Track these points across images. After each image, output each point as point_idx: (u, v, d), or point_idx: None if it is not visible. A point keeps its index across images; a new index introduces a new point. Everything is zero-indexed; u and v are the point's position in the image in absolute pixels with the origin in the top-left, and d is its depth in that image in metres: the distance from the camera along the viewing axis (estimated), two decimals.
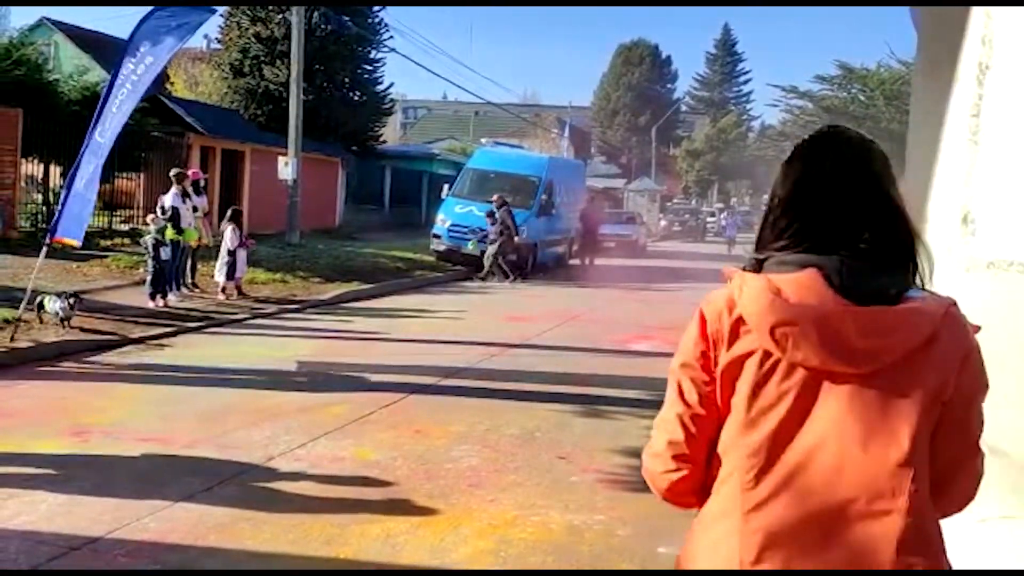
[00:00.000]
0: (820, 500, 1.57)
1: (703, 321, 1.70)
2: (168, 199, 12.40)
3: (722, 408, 1.67)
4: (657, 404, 1.80)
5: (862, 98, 55.35)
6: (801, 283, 1.61)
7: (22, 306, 9.20)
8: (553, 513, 5.11)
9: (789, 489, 1.59)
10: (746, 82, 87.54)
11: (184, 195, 12.50)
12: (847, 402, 1.58)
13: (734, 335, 1.65)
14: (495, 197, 19.33)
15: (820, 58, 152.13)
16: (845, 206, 1.64)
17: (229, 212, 13.54)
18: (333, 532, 4.67)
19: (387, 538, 4.64)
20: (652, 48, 69.65)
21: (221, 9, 28.31)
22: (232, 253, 12.91)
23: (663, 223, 45.60)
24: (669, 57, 71.15)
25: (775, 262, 1.67)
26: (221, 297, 12.79)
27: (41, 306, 9.58)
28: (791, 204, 1.70)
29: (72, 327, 9.54)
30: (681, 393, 1.71)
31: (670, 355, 1.81)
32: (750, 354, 1.63)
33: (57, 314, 9.48)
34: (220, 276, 12.97)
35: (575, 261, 24.82)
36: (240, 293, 13.11)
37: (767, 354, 1.62)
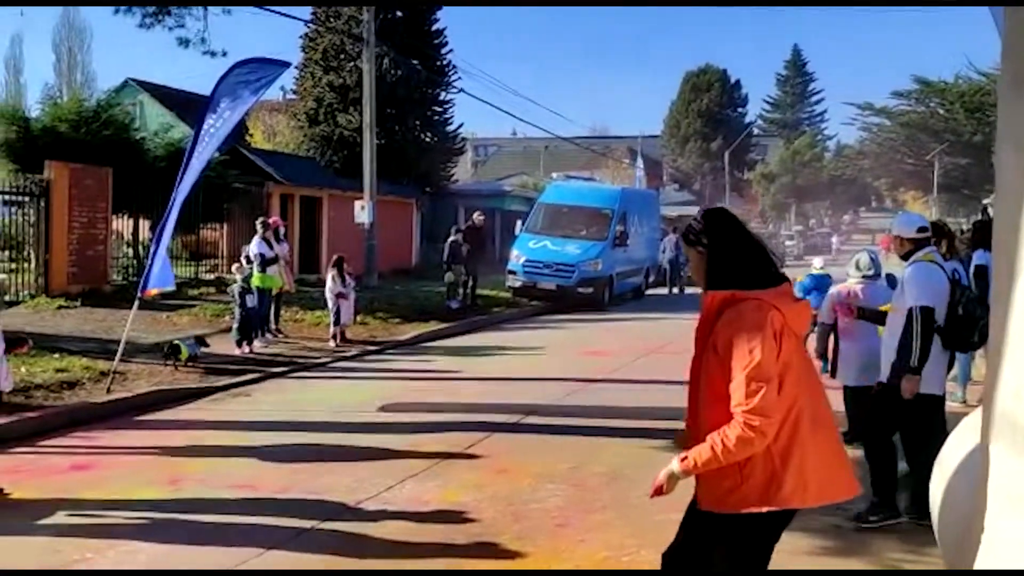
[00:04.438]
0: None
1: (772, 328, 2.89)
2: (253, 246, 12.79)
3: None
4: None
5: (941, 112, 54.07)
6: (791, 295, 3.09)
7: (117, 357, 9.54)
8: (644, 553, 5.02)
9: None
10: (819, 102, 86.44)
11: (268, 243, 12.89)
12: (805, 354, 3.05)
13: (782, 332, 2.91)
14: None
15: (896, 73, 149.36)
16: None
17: (333, 259, 13.70)
18: None
19: None
20: (720, 73, 69.20)
21: (295, 60, 29.23)
22: (335, 300, 13.13)
23: None
24: (738, 81, 70.61)
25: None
26: (331, 344, 12.98)
27: (177, 349, 10.33)
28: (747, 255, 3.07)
29: (196, 366, 10.41)
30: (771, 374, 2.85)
31: None
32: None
33: (194, 356, 10.38)
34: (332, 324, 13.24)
35: (656, 291, 24.65)
36: (343, 339, 13.26)
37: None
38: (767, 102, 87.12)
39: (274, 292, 13.20)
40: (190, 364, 10.42)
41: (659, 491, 3.01)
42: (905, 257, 5.70)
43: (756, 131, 76.66)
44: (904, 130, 57.19)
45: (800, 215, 72.79)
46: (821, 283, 12.56)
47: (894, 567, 5.06)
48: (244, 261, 12.70)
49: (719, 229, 3.10)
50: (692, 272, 3.22)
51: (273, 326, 13.46)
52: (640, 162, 43.79)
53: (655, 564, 4.84)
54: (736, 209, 54.42)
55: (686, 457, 2.95)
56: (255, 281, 12.45)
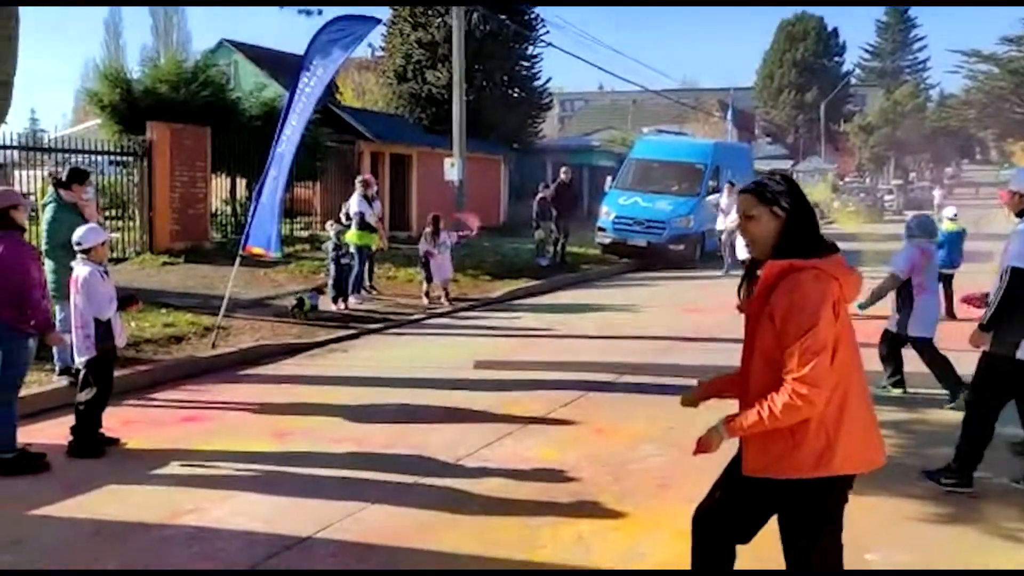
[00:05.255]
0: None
1: (831, 299, 2.86)
2: (354, 204, 13.00)
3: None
4: None
5: None
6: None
7: (221, 313, 9.82)
8: None
9: None
10: (921, 49, 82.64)
11: (368, 201, 13.08)
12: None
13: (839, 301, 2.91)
14: None
15: (1005, 18, 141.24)
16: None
17: (430, 217, 13.75)
18: (525, 534, 4.70)
19: (579, 540, 4.63)
20: (817, 21, 66.71)
21: (384, 17, 29.28)
22: (424, 258, 13.25)
23: (835, 204, 43.53)
24: (835, 29, 68.02)
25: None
26: (424, 301, 13.14)
27: (303, 303, 11.21)
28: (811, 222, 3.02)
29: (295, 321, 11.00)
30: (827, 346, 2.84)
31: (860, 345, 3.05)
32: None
33: (314, 306, 11.31)
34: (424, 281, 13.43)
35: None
36: (448, 297, 13.33)
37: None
38: (866, 50, 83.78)
39: (372, 249, 13.41)
40: (311, 315, 11.18)
41: (703, 449, 3.09)
42: (1020, 215, 5.47)
43: (854, 81, 73.83)
44: (1013, 78, 54.16)
45: (899, 168, 70.07)
46: (949, 240, 12.00)
47: (1011, 535, 4.87)
48: (344, 219, 12.90)
49: (798, 193, 3.01)
50: (751, 234, 3.04)
51: (367, 283, 13.66)
52: (731, 115, 42.70)
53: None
54: (831, 164, 52.61)
55: (733, 419, 3.00)
56: (353, 239, 12.65)
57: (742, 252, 11.91)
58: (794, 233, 2.96)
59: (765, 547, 3.23)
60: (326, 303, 12.02)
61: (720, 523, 3.23)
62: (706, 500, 3.30)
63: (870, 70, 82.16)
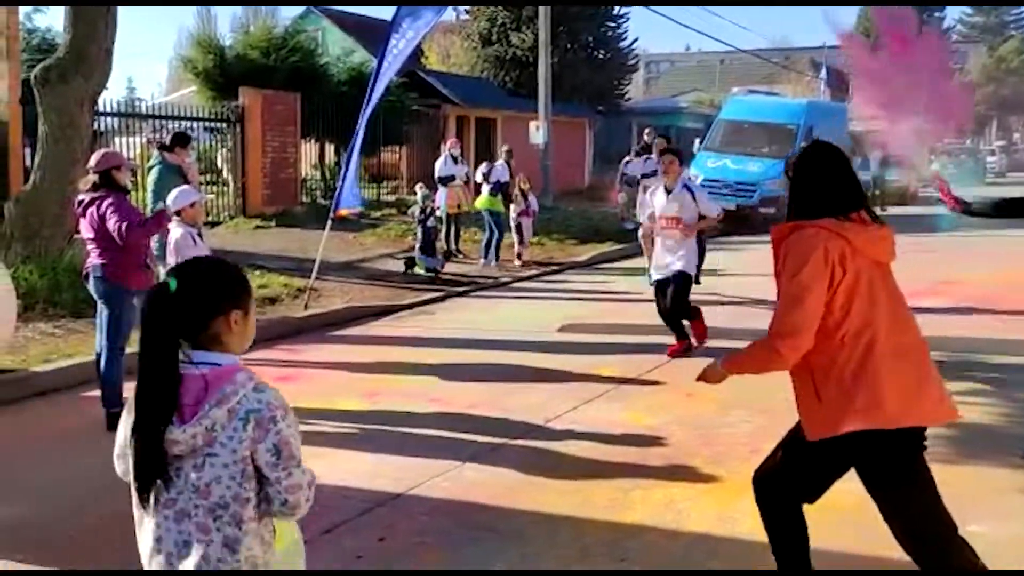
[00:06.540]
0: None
1: (826, 255, 2.95)
2: (496, 172, 13.65)
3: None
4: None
5: None
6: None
7: (313, 275, 10.03)
8: (840, 483, 4.80)
9: None
10: None
11: (510, 167, 13.93)
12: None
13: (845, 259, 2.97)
14: None
15: None
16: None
17: (515, 180, 13.93)
18: (616, 496, 4.69)
19: (670, 504, 4.60)
20: None
21: None
22: (518, 220, 13.36)
23: (934, 166, 41.82)
24: None
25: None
26: (516, 263, 13.33)
27: (413, 262, 11.71)
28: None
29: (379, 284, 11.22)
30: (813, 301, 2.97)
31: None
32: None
33: (435, 269, 11.67)
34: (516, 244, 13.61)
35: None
36: (519, 259, 13.51)
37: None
38: (968, 4, 79.85)
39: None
40: (437, 274, 11.69)
41: (704, 379, 3.35)
42: None
43: (955, 36, 70.52)
44: None
45: (1003, 129, 66.89)
46: None
47: None
48: (481, 179, 13.76)
49: (807, 164, 3.20)
50: None
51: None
52: (824, 74, 41.24)
53: (852, 493, 4.65)
54: (927, 123, 50.54)
55: (728, 357, 3.30)
56: (483, 204, 13.16)
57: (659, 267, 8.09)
58: (796, 198, 3.16)
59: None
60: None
61: (776, 480, 3.27)
62: (767, 460, 3.35)
63: (972, 25, 78.37)
